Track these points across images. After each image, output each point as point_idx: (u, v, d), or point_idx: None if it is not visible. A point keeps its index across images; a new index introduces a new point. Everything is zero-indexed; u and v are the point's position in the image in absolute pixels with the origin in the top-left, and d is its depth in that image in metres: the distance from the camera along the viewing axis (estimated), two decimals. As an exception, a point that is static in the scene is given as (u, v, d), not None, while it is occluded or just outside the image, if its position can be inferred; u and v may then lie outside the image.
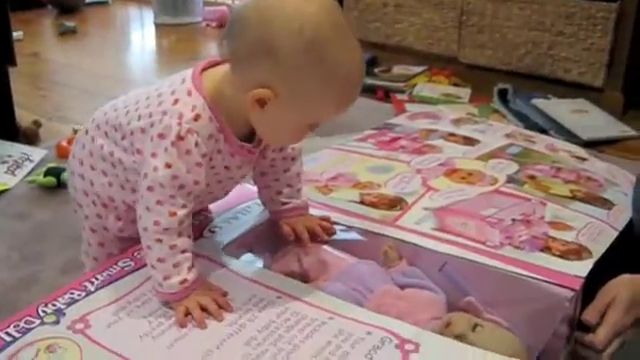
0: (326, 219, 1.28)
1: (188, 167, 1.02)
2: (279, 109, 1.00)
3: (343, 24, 0.99)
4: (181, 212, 1.04)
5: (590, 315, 1.16)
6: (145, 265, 1.14)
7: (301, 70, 0.96)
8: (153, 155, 1.02)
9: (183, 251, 1.04)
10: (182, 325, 1.01)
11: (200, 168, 1.04)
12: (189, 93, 1.04)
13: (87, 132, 1.18)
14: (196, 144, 1.02)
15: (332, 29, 0.97)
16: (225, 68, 1.06)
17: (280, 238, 1.27)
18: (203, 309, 1.03)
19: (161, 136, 1.01)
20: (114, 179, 1.14)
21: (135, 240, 1.18)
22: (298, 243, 1.24)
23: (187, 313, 1.02)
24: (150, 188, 1.02)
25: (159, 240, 1.03)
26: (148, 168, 1.02)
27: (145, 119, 1.05)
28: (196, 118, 1.03)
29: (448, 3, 2.80)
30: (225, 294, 1.08)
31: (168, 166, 1.01)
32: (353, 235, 1.28)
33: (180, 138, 1.01)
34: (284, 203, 1.25)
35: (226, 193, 1.22)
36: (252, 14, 0.98)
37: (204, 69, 1.08)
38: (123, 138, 1.10)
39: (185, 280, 1.04)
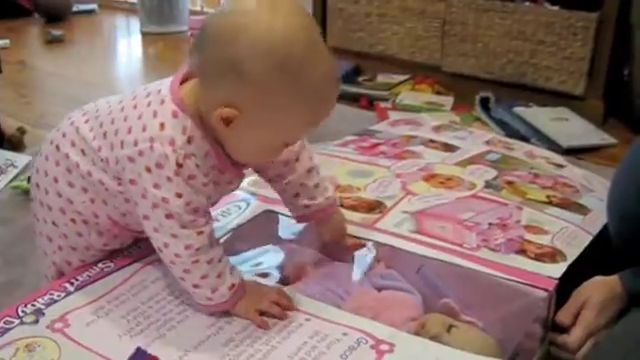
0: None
1: (196, 190, 1.00)
2: (245, 128, 0.97)
3: (314, 38, 0.96)
4: (207, 228, 1.02)
5: (564, 316, 1.18)
6: (123, 266, 1.16)
7: (269, 90, 0.93)
8: (156, 186, 0.98)
9: (220, 259, 1.04)
10: (265, 326, 1.03)
11: (207, 187, 1.03)
12: (174, 115, 0.99)
13: (58, 148, 1.11)
14: (197, 166, 0.99)
15: (302, 47, 0.93)
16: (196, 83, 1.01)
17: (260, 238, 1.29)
18: (262, 313, 1.05)
19: (159, 166, 0.97)
20: (95, 196, 1.10)
21: (118, 251, 1.20)
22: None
23: (262, 313, 1.05)
24: (169, 216, 0.99)
25: (196, 261, 1.01)
26: (155, 199, 0.98)
27: (130, 147, 0.99)
28: (189, 140, 0.99)
29: (431, 13, 2.82)
30: (281, 291, 1.09)
31: (179, 195, 0.98)
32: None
33: (179, 165, 0.97)
34: (307, 206, 1.21)
35: (213, 205, 1.15)
36: (220, 30, 0.94)
37: (181, 82, 1.03)
38: (102, 161, 1.05)
39: (233, 285, 1.04)
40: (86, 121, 1.10)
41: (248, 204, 1.39)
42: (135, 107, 1.03)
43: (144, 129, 0.99)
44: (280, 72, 0.92)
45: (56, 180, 1.12)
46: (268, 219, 1.34)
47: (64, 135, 1.11)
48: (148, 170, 0.98)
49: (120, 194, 1.07)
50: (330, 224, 1.24)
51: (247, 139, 1.00)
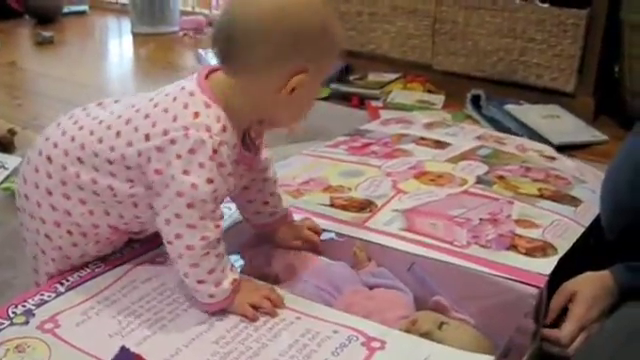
0: (307, 219, 1.30)
1: (224, 179, 1.02)
2: (307, 85, 1.04)
3: None
4: (222, 222, 1.04)
5: (548, 318, 1.18)
6: (114, 267, 1.16)
7: (321, 41, 1.03)
8: (185, 172, 0.99)
9: (224, 255, 1.05)
10: (256, 319, 1.04)
11: (231, 177, 1.05)
12: (207, 105, 1.02)
13: (50, 159, 1.09)
14: (228, 156, 1.02)
15: (326, 5, 1.05)
16: (223, 77, 1.05)
17: (252, 240, 1.29)
18: (255, 307, 1.05)
19: (192, 152, 0.99)
20: (95, 207, 1.09)
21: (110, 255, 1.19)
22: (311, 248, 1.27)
23: (253, 306, 1.05)
24: (190, 205, 0.99)
25: (206, 254, 1.02)
26: (183, 186, 0.99)
27: (159, 137, 1.01)
28: (224, 129, 1.02)
29: (422, 11, 2.83)
30: (272, 288, 1.10)
31: (210, 181, 1.00)
32: (323, 236, 1.29)
33: (214, 151, 1.00)
34: (272, 214, 1.24)
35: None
36: (259, 20, 1.00)
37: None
38: (111, 163, 1.05)
39: (234, 280, 1.05)
40: (80, 128, 1.09)
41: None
42: (156, 105, 1.05)
43: (174, 119, 1.01)
44: (323, 24, 1.02)
45: (50, 193, 1.10)
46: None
47: (56, 145, 1.10)
48: (179, 157, 0.99)
49: (130, 198, 1.06)
50: (291, 228, 1.27)
51: (306, 96, 1.07)
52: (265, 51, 1.01)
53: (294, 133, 1.11)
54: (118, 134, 1.05)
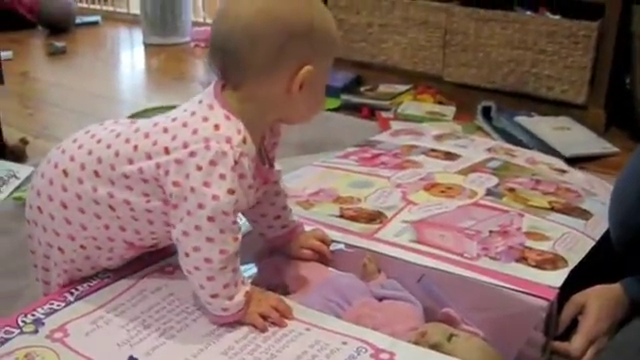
0: (317, 229, 1.30)
1: (244, 191, 1.02)
2: (314, 77, 1.04)
3: None
4: (240, 235, 1.04)
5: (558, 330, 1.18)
6: (124, 277, 1.16)
7: (314, 35, 1.03)
8: (206, 184, 0.98)
9: (239, 268, 1.05)
10: (265, 329, 1.04)
11: (252, 190, 1.05)
12: (227, 117, 1.02)
13: (66, 172, 1.09)
14: (249, 167, 1.02)
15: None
16: (231, 92, 1.05)
17: (263, 250, 1.29)
18: (264, 317, 1.05)
19: (212, 163, 0.98)
20: (111, 221, 1.08)
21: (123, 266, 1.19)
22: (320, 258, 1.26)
23: (264, 317, 1.05)
24: (211, 218, 0.99)
25: (224, 268, 1.01)
26: (204, 198, 0.98)
27: (179, 150, 1.00)
28: (245, 140, 1.02)
29: (432, 23, 2.83)
30: (280, 299, 1.10)
31: (231, 192, 0.99)
32: (333, 247, 1.29)
33: (236, 162, 0.99)
34: (283, 226, 1.24)
35: None
36: (251, 25, 1.00)
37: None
38: (128, 177, 1.04)
39: (247, 292, 1.05)
40: (98, 141, 1.09)
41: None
42: (174, 120, 1.05)
43: (195, 132, 1.01)
44: (314, 21, 1.03)
45: (64, 206, 1.09)
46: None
47: (72, 159, 1.09)
48: (199, 169, 0.99)
49: (146, 213, 1.06)
50: (300, 238, 1.27)
51: (316, 89, 1.08)
52: (260, 57, 1.01)
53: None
54: (136, 148, 1.04)
